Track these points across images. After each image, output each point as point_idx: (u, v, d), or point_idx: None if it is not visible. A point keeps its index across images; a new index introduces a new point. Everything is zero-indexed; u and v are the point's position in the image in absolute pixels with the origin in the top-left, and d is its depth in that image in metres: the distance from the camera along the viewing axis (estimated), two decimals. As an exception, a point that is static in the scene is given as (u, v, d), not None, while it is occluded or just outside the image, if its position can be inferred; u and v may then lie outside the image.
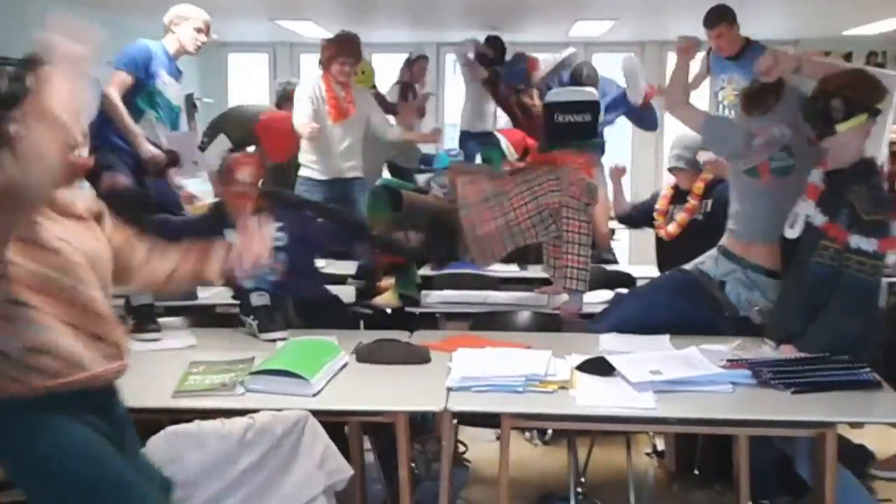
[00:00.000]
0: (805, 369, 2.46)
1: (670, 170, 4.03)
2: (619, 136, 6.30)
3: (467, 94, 6.66)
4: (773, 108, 3.04)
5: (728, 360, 2.56)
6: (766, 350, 2.74)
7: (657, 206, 4.11)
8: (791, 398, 2.34)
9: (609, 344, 2.88)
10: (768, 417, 2.33)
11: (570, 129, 3.53)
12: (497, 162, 4.04)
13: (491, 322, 3.36)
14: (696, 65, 4.91)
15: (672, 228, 3.95)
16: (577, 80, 5.03)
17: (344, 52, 4.77)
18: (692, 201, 3.86)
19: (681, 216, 3.92)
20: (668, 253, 3.94)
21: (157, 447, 2.03)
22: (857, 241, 2.56)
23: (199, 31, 4.03)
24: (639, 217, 4.33)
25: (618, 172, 4.30)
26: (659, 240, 4.10)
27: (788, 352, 2.61)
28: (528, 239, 3.52)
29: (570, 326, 3.33)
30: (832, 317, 2.60)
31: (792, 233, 2.76)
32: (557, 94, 3.71)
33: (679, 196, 4.01)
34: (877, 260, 2.57)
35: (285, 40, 7.94)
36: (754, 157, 3.07)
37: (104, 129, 3.78)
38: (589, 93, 3.71)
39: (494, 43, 6.28)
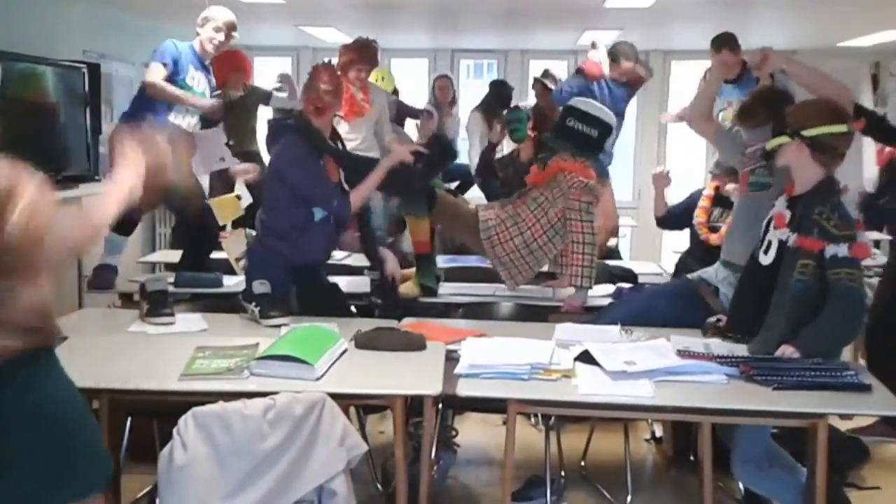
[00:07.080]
0: (787, 368, 2.40)
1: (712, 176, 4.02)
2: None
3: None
4: (765, 124, 3.01)
5: (678, 350, 2.54)
6: (734, 346, 2.64)
7: (698, 217, 4.03)
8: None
9: (563, 333, 2.86)
10: (761, 408, 2.30)
11: (575, 136, 3.52)
12: (523, 124, 3.95)
13: (481, 312, 3.41)
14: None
15: (724, 231, 3.83)
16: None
17: (360, 59, 4.75)
18: None
19: (729, 220, 3.81)
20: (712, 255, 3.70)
21: (188, 427, 2.03)
22: (832, 249, 2.49)
23: (217, 30, 4.05)
24: (674, 218, 4.25)
25: (661, 180, 4.16)
26: (703, 243, 3.99)
27: (789, 352, 2.50)
28: (549, 253, 3.55)
29: (559, 318, 3.26)
30: (828, 324, 2.50)
31: (766, 259, 2.67)
32: (580, 102, 3.65)
33: (719, 200, 3.96)
34: (859, 270, 2.52)
35: (308, 45, 7.93)
36: (744, 165, 3.16)
37: (144, 110, 3.91)
38: (609, 115, 3.63)
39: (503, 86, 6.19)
